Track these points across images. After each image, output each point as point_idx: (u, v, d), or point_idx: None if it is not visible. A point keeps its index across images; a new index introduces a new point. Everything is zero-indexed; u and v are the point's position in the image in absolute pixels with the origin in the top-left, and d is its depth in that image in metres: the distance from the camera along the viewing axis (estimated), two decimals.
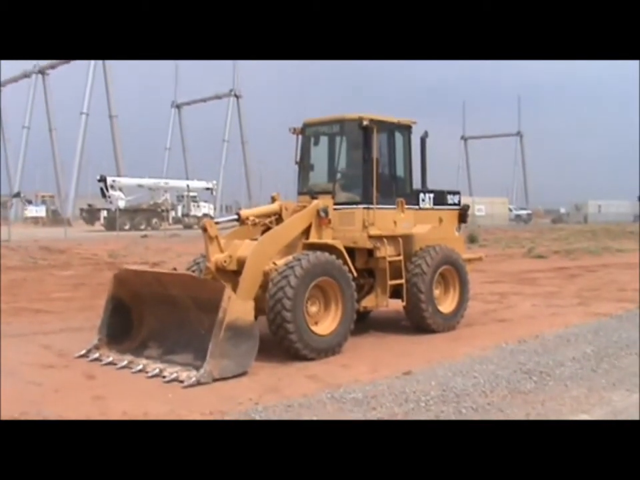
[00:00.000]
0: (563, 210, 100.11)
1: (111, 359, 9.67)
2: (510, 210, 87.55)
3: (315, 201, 11.18)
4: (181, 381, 8.54)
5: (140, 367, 9.23)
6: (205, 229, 10.29)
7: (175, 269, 11.39)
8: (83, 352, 9.97)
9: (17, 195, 72.82)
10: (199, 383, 8.40)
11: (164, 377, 8.78)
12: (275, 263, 10.04)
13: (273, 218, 11.17)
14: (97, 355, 9.85)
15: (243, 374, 8.91)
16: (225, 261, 10.22)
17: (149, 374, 8.97)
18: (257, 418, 6.97)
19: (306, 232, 10.96)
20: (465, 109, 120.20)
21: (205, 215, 55.62)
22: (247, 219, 10.99)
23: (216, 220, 11.05)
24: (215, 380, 8.57)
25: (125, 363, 9.46)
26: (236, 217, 11.06)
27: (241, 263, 10.08)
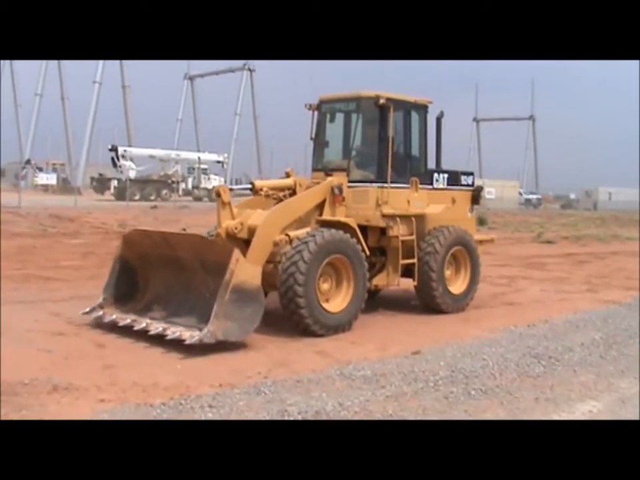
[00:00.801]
0: (572, 196, 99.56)
1: (114, 317, 9.72)
2: (520, 194, 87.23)
3: (330, 178, 11.17)
4: (183, 340, 8.53)
5: (143, 325, 9.24)
6: (218, 194, 10.33)
7: (184, 229, 11.45)
8: (87, 310, 10.07)
9: (28, 162, 72.82)
10: (201, 342, 8.38)
11: (166, 335, 8.77)
12: (287, 235, 10.03)
13: (286, 192, 11.16)
14: (100, 313, 9.91)
15: (251, 347, 8.95)
16: (236, 228, 10.22)
17: (151, 332, 8.99)
18: (267, 392, 7.01)
19: (319, 207, 10.94)
20: (477, 91, 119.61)
21: None
22: (261, 189, 11.02)
23: (230, 187, 11.05)
24: (218, 341, 8.57)
25: (127, 321, 9.48)
26: (250, 186, 11.07)
27: (252, 232, 10.06)
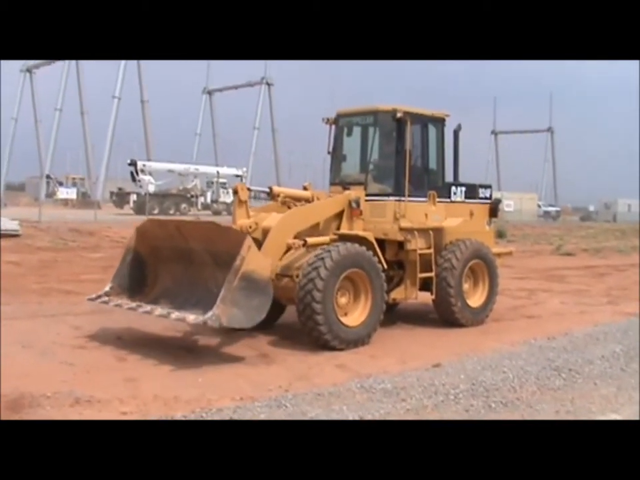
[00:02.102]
0: (591, 208, 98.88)
1: (119, 302, 9.85)
2: (539, 206, 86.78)
3: (347, 192, 11.21)
4: (187, 321, 8.65)
5: (147, 309, 9.34)
6: (235, 192, 10.41)
7: (197, 217, 11.59)
8: (93, 296, 10.23)
9: (48, 176, 73.37)
10: (204, 324, 8.42)
11: (169, 317, 8.90)
12: (305, 240, 10.07)
13: (303, 203, 11.22)
14: (105, 299, 10.03)
15: (271, 360, 8.97)
16: (250, 227, 10.28)
17: (155, 314, 9.09)
18: (287, 405, 7.03)
19: (335, 219, 10.99)
20: (495, 104, 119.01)
21: None
22: (278, 195, 11.08)
23: (248, 187, 11.13)
24: (222, 326, 8.62)
25: (132, 305, 9.60)
26: (267, 190, 11.15)
27: (266, 233, 10.10)
